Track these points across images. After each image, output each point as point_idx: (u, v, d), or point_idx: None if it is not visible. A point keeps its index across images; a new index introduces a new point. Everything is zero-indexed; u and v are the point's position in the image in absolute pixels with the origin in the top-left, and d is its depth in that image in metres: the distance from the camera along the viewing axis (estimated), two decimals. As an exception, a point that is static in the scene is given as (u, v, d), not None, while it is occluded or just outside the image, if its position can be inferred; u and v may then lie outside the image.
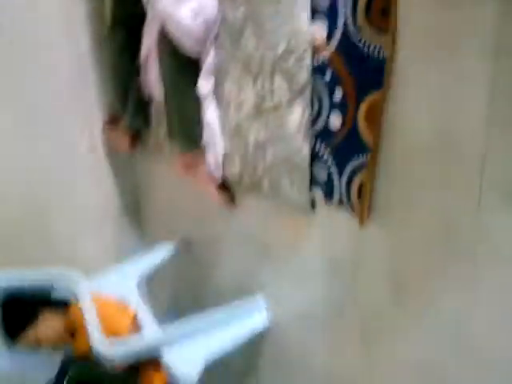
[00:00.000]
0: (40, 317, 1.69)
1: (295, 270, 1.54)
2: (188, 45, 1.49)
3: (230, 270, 1.83)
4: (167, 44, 1.54)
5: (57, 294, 1.78)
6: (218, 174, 1.59)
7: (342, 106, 1.22)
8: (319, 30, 1.21)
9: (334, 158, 1.29)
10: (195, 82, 1.54)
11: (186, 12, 1.43)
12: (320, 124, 1.29)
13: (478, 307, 1.10)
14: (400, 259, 1.22)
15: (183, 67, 1.56)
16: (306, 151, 1.33)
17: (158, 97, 1.74)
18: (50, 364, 1.81)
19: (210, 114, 1.56)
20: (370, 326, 1.35)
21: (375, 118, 1.15)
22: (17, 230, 1.98)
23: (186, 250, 2.03)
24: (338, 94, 1.21)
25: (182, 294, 2.21)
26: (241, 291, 1.77)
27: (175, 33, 1.48)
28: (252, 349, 1.78)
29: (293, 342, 1.63)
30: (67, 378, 1.51)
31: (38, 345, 1.68)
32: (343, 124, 1.23)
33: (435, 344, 1.19)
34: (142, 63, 1.75)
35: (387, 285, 1.27)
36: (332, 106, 1.25)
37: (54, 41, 1.93)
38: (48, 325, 1.69)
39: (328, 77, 1.23)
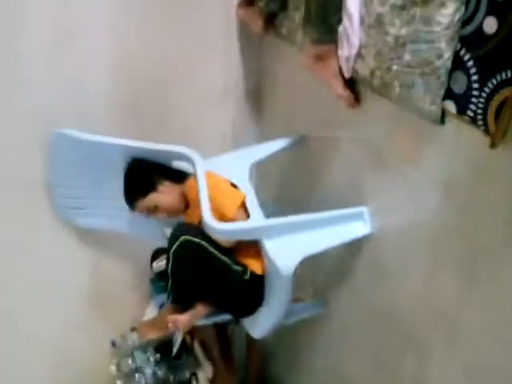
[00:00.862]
0: (159, 185, 1.80)
1: (408, 183, 1.45)
2: None
3: (341, 173, 1.79)
4: None
5: (175, 168, 1.87)
6: (348, 69, 1.50)
7: (503, 8, 1.05)
8: None
9: (479, 67, 1.14)
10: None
11: None
12: (472, 26, 1.13)
13: None
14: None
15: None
16: (449, 55, 1.19)
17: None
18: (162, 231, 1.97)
19: (352, 1, 1.43)
20: (475, 258, 1.27)
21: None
22: (140, 101, 2.07)
23: (301, 145, 2.00)
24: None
25: (289, 190, 2.23)
26: (348, 196, 1.74)
27: None
28: (349, 253, 1.78)
29: (391, 256, 1.60)
30: (179, 239, 1.60)
31: (154, 211, 1.80)
32: (499, 29, 1.07)
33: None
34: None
35: (505, 218, 1.16)
36: (491, 6, 1.08)
37: None
38: (165, 193, 1.80)
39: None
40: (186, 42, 2.07)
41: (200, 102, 2.22)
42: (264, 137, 2.25)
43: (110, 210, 1.98)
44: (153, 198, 1.78)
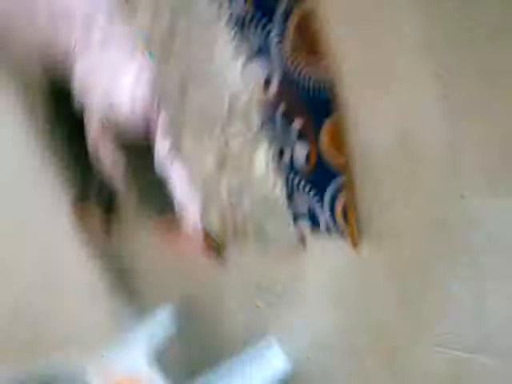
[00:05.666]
0: None
1: (301, 307, 1.50)
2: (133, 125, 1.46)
3: (236, 321, 1.79)
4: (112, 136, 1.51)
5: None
6: (199, 231, 1.55)
7: (303, 137, 1.20)
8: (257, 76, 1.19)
9: (310, 187, 1.26)
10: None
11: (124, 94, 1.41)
12: (286, 159, 1.26)
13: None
14: (401, 274, 1.20)
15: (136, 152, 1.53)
16: (279, 188, 1.30)
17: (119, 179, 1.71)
18: None
19: (176, 174, 1.52)
20: (387, 344, 1.32)
21: (338, 141, 1.13)
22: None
23: (187, 311, 1.98)
24: (296, 127, 1.19)
25: (192, 356, 2.15)
26: (252, 339, 1.72)
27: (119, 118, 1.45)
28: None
29: (316, 376, 1.59)
30: None
31: None
32: (309, 154, 1.20)
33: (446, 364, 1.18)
34: (94, 154, 1.72)
35: (394, 302, 1.24)
36: (293, 140, 1.22)
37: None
38: None
39: (279, 115, 1.21)
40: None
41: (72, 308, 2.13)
42: (149, 316, 2.18)
43: None
44: None
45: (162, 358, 2.18)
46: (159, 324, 1.94)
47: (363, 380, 1.44)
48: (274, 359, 1.64)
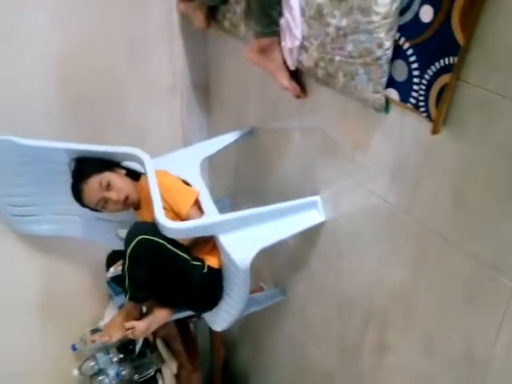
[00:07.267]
0: (115, 167, 1.76)
1: (357, 170, 1.48)
2: None
3: (293, 163, 1.80)
4: None
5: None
6: (293, 61, 1.50)
7: (436, -1, 1.08)
8: None
9: (418, 55, 1.16)
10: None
11: None
12: (409, 15, 1.16)
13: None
14: (467, 174, 1.14)
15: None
16: (389, 44, 1.21)
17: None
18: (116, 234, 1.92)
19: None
20: (424, 240, 1.31)
21: (471, 14, 1.01)
22: (85, 100, 2.03)
23: (252, 137, 2.01)
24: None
25: (242, 181, 2.23)
26: (301, 185, 1.76)
27: None
28: (305, 240, 1.80)
29: (345, 241, 1.63)
30: (137, 238, 1.53)
31: (107, 190, 1.70)
32: (435, 18, 1.10)
33: (491, 262, 1.14)
34: None
35: (448, 199, 1.20)
36: (423, -2, 1.11)
37: None
38: (121, 176, 1.76)
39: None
40: (129, 38, 2.04)
41: (148, 98, 2.19)
42: (214, 130, 2.24)
43: (62, 214, 1.94)
44: (108, 176, 1.71)
45: (214, 177, 2.29)
46: (222, 141, 1.98)
47: (386, 261, 1.48)
48: (313, 210, 1.70)
